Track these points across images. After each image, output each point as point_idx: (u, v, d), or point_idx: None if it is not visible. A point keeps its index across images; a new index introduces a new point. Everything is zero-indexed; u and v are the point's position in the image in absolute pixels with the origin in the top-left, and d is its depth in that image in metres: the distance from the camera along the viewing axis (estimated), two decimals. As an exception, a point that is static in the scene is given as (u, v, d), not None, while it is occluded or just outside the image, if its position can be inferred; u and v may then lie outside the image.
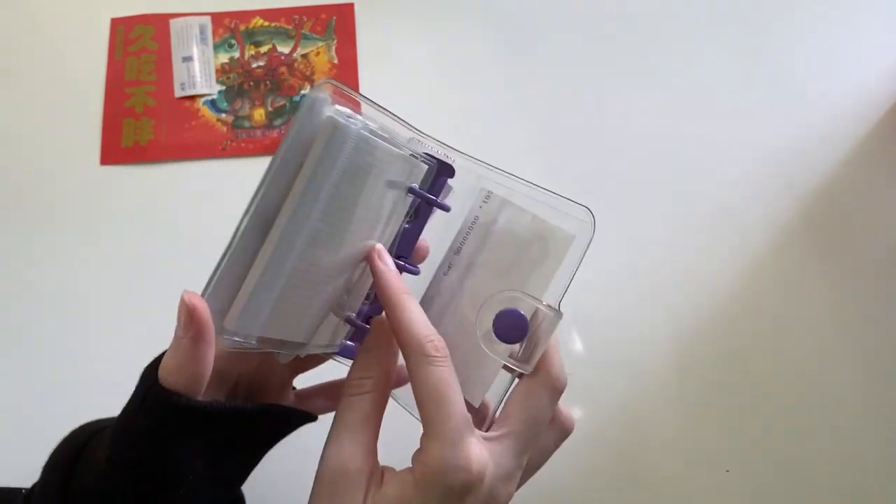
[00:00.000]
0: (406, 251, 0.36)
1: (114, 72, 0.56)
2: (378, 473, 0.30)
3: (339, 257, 0.32)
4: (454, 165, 0.37)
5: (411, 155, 0.35)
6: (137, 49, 0.57)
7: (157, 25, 0.58)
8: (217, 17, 0.59)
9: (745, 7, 0.61)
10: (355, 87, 0.56)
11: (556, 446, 0.33)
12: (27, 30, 0.58)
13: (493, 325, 0.32)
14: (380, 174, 0.32)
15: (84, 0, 0.59)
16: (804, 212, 0.53)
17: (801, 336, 0.49)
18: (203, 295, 0.28)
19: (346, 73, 0.57)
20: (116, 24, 0.58)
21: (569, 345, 0.49)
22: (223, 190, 0.52)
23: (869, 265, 0.52)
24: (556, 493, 0.45)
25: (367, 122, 0.31)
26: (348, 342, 0.35)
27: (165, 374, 0.29)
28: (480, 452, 0.29)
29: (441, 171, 0.37)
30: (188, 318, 0.28)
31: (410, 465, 0.30)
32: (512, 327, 0.32)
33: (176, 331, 0.28)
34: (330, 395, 0.38)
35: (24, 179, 0.53)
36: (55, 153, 0.54)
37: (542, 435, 0.32)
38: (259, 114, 0.55)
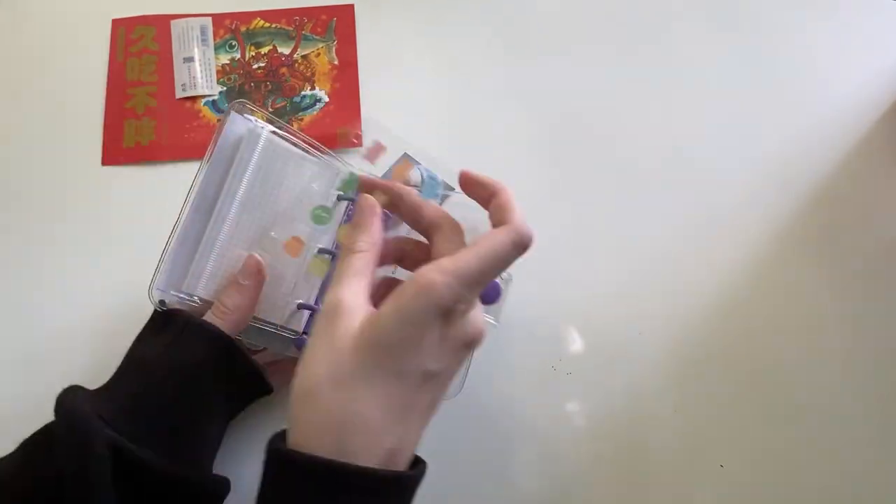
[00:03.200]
0: None
1: (115, 72, 0.56)
2: (373, 311, 0.33)
3: (269, 241, 0.42)
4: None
5: (331, 166, 0.44)
6: (139, 50, 0.57)
7: (158, 26, 0.58)
8: (218, 18, 0.59)
9: (744, 8, 0.61)
10: (355, 88, 0.56)
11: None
12: (28, 31, 0.58)
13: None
14: (296, 173, 0.43)
15: (85, 1, 0.59)
16: (803, 211, 0.53)
17: (797, 335, 0.50)
18: (159, 266, 0.40)
19: (346, 74, 0.57)
20: (118, 24, 0.58)
21: (569, 345, 0.49)
22: (224, 190, 0.52)
23: (867, 265, 0.52)
24: (554, 487, 0.45)
25: (277, 131, 0.43)
26: (304, 337, 0.43)
27: (223, 308, 0.39)
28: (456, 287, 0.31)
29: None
30: (255, 270, 0.40)
31: None
32: (493, 292, 0.43)
33: (239, 279, 0.40)
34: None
35: (26, 180, 0.53)
36: (57, 154, 0.54)
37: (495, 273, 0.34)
38: (260, 115, 0.55)
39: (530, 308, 0.50)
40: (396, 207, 0.39)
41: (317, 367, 0.31)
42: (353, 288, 0.34)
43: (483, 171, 0.54)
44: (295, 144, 0.44)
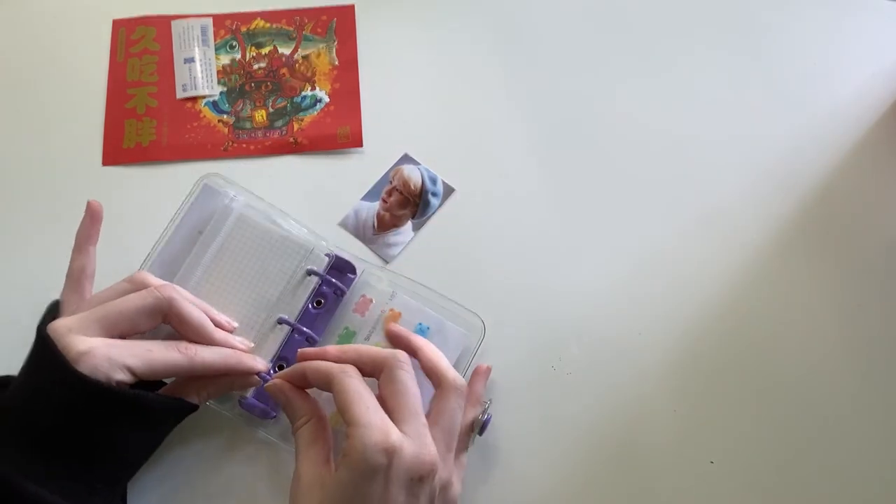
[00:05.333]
0: (316, 331, 0.46)
1: (115, 73, 0.56)
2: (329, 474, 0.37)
3: (231, 306, 0.44)
4: (357, 266, 0.48)
5: (303, 244, 0.46)
6: (139, 50, 0.57)
7: (159, 27, 0.58)
8: (218, 19, 0.59)
9: (743, 6, 0.61)
10: (356, 89, 0.57)
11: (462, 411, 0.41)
12: (29, 31, 0.58)
13: (482, 427, 0.43)
14: (265, 248, 0.45)
15: (86, 1, 0.59)
16: (803, 211, 0.53)
17: (796, 335, 0.50)
18: None
19: (346, 74, 0.57)
20: (118, 25, 0.58)
21: (569, 345, 0.49)
22: (224, 191, 0.52)
23: (867, 265, 0.52)
24: (552, 486, 0.45)
25: (253, 206, 0.46)
26: (250, 398, 0.44)
27: (204, 396, 0.41)
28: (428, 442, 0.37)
29: (344, 268, 0.47)
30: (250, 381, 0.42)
31: None
32: (487, 427, 0.43)
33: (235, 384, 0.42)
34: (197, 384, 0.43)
35: (26, 180, 0.53)
36: (57, 154, 0.54)
37: (455, 425, 0.40)
38: (260, 115, 0.55)
39: (530, 308, 0.50)
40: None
41: None
42: (310, 459, 0.37)
43: (483, 170, 0.54)
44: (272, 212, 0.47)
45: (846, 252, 0.52)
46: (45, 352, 0.37)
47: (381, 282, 0.48)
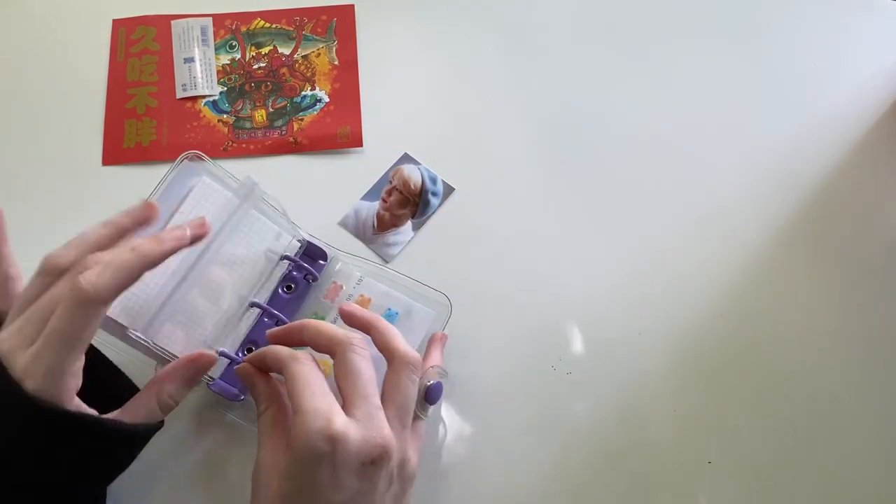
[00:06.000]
0: (286, 316, 0.46)
1: (115, 73, 0.56)
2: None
3: (204, 287, 0.43)
4: (328, 253, 0.48)
5: (276, 228, 0.46)
6: (139, 50, 0.57)
7: (159, 26, 0.58)
8: (218, 19, 0.59)
9: (743, 6, 0.61)
10: (356, 89, 0.57)
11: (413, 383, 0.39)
12: (29, 31, 0.58)
13: (427, 394, 0.41)
14: (238, 229, 0.44)
15: (86, 1, 0.59)
16: (803, 212, 0.53)
17: (795, 335, 0.50)
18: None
19: (346, 74, 0.57)
20: (118, 25, 0.58)
21: (569, 344, 0.49)
22: (224, 190, 0.52)
23: (867, 266, 0.52)
24: (551, 486, 0.45)
25: (229, 185, 0.44)
26: (219, 381, 0.44)
27: (171, 402, 0.39)
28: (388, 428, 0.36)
29: (316, 254, 0.48)
30: (208, 367, 0.40)
31: None
32: (437, 394, 0.42)
33: (191, 374, 0.39)
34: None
35: (25, 180, 0.53)
36: (57, 154, 0.54)
37: (409, 401, 0.38)
38: (260, 115, 0.55)
39: (529, 308, 0.50)
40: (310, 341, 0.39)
41: None
42: (268, 446, 0.37)
43: (483, 170, 0.54)
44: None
45: (846, 252, 0.52)
46: None
47: (349, 267, 0.49)
